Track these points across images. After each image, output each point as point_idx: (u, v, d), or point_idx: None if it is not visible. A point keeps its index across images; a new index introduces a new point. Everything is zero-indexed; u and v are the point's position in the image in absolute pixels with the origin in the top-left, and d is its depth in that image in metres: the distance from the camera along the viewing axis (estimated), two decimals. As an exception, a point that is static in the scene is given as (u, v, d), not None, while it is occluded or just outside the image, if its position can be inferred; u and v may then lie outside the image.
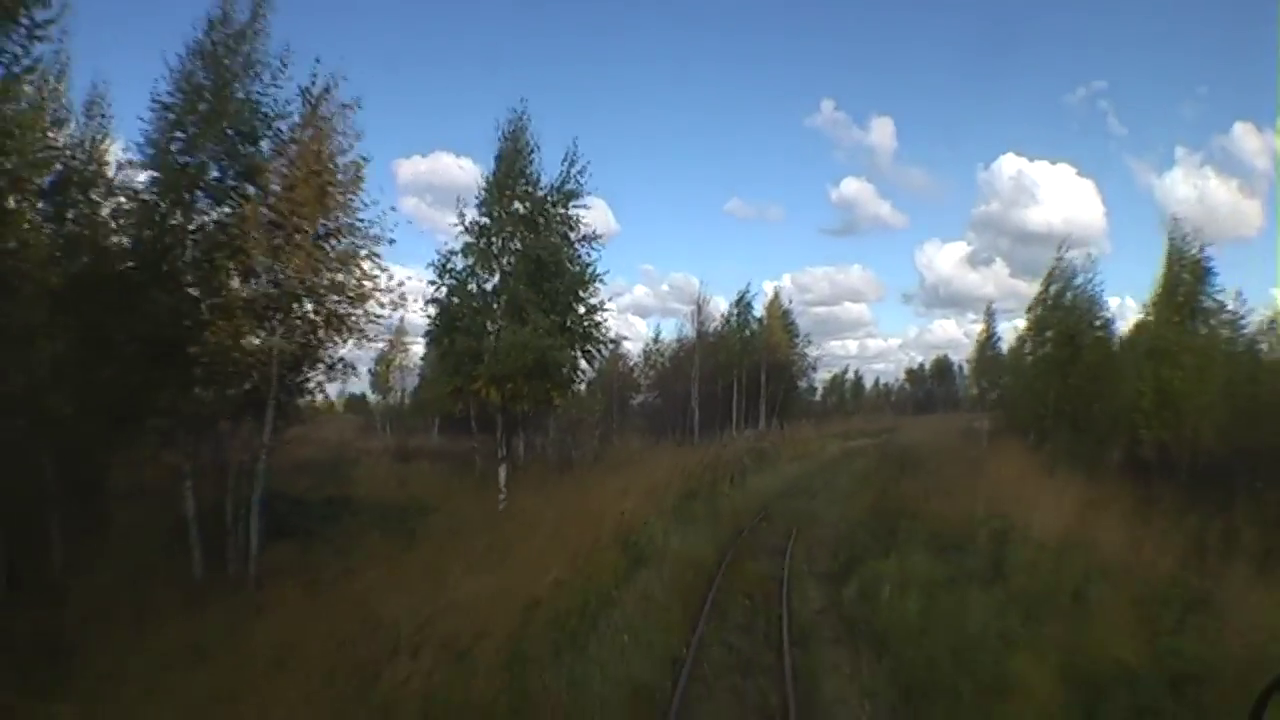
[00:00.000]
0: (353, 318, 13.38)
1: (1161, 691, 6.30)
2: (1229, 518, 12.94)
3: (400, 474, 24.61)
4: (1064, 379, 22.68)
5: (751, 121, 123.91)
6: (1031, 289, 25.33)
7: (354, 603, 8.32)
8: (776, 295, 49.06)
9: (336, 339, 13.47)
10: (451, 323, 18.53)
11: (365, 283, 13.32)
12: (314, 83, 13.08)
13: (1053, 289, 24.80)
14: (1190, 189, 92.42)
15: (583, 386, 26.29)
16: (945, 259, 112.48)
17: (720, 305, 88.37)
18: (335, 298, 13.42)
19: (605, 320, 19.28)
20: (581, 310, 18.75)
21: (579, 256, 19.36)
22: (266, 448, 12.96)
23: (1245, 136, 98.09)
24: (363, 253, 13.32)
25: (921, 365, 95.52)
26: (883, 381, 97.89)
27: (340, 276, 13.28)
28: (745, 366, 42.47)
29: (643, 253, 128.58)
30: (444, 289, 18.77)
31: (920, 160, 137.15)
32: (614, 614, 9.01)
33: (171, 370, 12.07)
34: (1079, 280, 23.95)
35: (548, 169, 19.53)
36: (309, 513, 16.39)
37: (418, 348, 42.90)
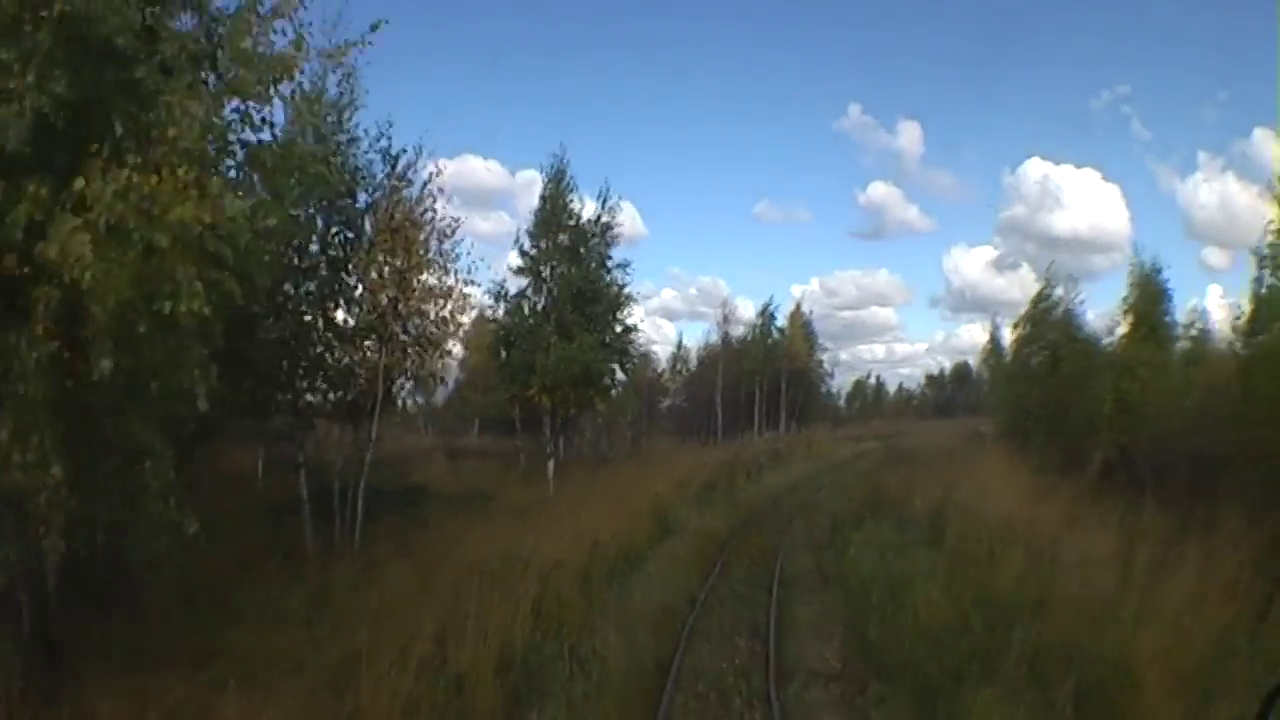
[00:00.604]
0: (438, 339, 16.66)
1: (1019, 609, 9.33)
2: (1148, 505, 15.68)
3: (453, 469, 27.89)
4: (1045, 388, 25.52)
5: (779, 125, 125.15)
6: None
7: (463, 551, 11.58)
8: (798, 307, 52.24)
9: (425, 356, 16.76)
10: (508, 339, 21.89)
11: (447, 311, 16.59)
12: (403, 152, 16.32)
13: (1041, 305, 27.67)
14: (1211, 194, 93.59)
15: (617, 392, 29.49)
16: (972, 263, 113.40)
17: (748, 308, 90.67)
18: (418, 321, 16.70)
19: (638, 337, 22.56)
20: (618, 329, 22.04)
21: (615, 281, 22.69)
22: (372, 443, 16.28)
23: (1264, 142, 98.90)
24: (448, 284, 16.56)
25: (942, 370, 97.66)
26: (906, 386, 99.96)
27: (427, 306, 16.56)
28: (767, 373, 45.57)
29: (671, 256, 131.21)
30: (501, 310, 22.18)
31: (947, 164, 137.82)
32: (648, 565, 12.25)
33: (291, 381, 15.39)
34: (1058, 294, 26.79)
35: (582, 182, 22.81)
36: (392, 499, 19.70)
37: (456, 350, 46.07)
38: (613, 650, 8.04)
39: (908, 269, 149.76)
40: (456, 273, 16.29)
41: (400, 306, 16.31)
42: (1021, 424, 26.62)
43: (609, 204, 22.82)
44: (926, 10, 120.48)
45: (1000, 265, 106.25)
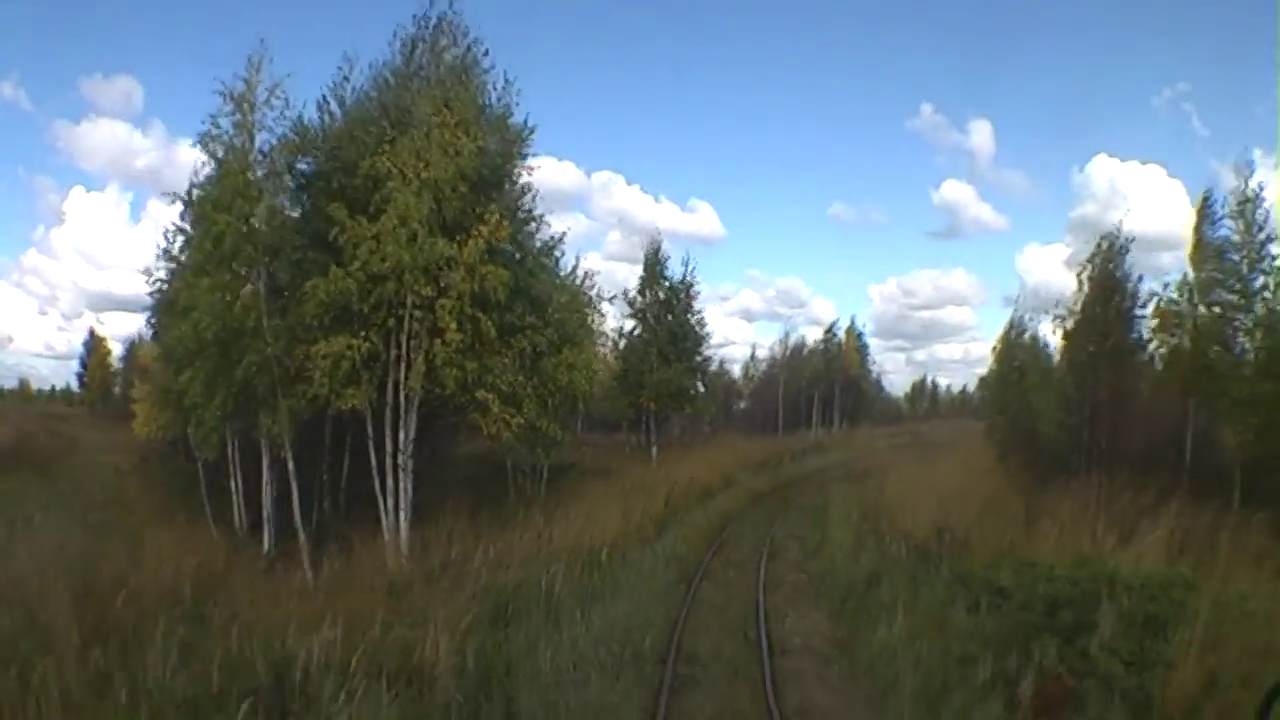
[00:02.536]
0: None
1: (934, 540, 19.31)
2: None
3: (582, 454, 38.76)
4: (1011, 394, 34.88)
5: (853, 126, 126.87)
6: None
7: (614, 487, 22.22)
8: (852, 324, 61.86)
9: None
10: (625, 363, 32.71)
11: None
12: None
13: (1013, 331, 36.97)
14: (1270, 191, 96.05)
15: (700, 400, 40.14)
16: (1045, 262, 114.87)
17: (827, 309, 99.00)
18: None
19: (714, 364, 33.07)
20: (698, 359, 32.68)
21: (700, 324, 33.36)
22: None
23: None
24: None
25: (990, 371, 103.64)
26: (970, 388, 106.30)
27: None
28: (823, 381, 55.45)
29: (750, 258, 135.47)
30: (622, 343, 33.05)
31: (1018, 163, 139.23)
32: (718, 498, 22.86)
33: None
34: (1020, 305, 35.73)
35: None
36: (557, 470, 30.62)
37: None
38: (700, 520, 18.66)
39: (983, 268, 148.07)
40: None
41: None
42: (994, 421, 36.01)
43: (690, 269, 33.51)
44: (991, 8, 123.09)
45: (1072, 264, 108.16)
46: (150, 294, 19.48)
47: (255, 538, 16.49)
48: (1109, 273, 21.68)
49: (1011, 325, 37.12)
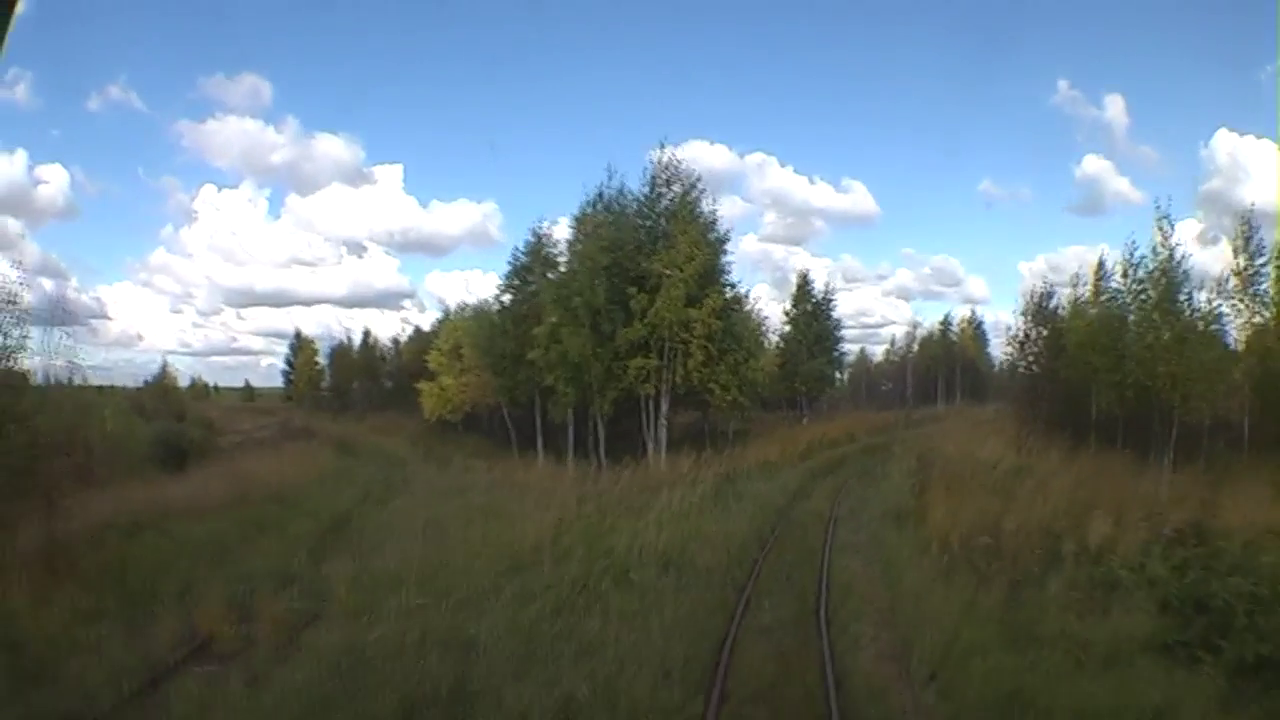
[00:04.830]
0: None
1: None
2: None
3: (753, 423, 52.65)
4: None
5: (994, 103, 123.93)
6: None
7: (779, 440, 35.84)
8: (972, 314, 72.30)
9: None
10: (784, 357, 46.25)
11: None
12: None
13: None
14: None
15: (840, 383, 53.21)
16: (1179, 238, 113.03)
17: (980, 287, 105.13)
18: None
19: (851, 355, 46.22)
20: (836, 354, 45.92)
21: (837, 327, 46.51)
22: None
23: None
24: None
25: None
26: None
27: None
28: (944, 364, 66.56)
29: (904, 236, 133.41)
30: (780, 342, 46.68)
31: (1149, 137, 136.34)
32: (841, 447, 36.01)
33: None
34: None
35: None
36: (740, 431, 44.59)
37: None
38: (827, 455, 32.13)
39: (1124, 243, 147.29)
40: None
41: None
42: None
43: (830, 285, 46.63)
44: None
45: (1203, 240, 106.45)
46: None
47: (575, 462, 31.07)
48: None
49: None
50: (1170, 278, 25.68)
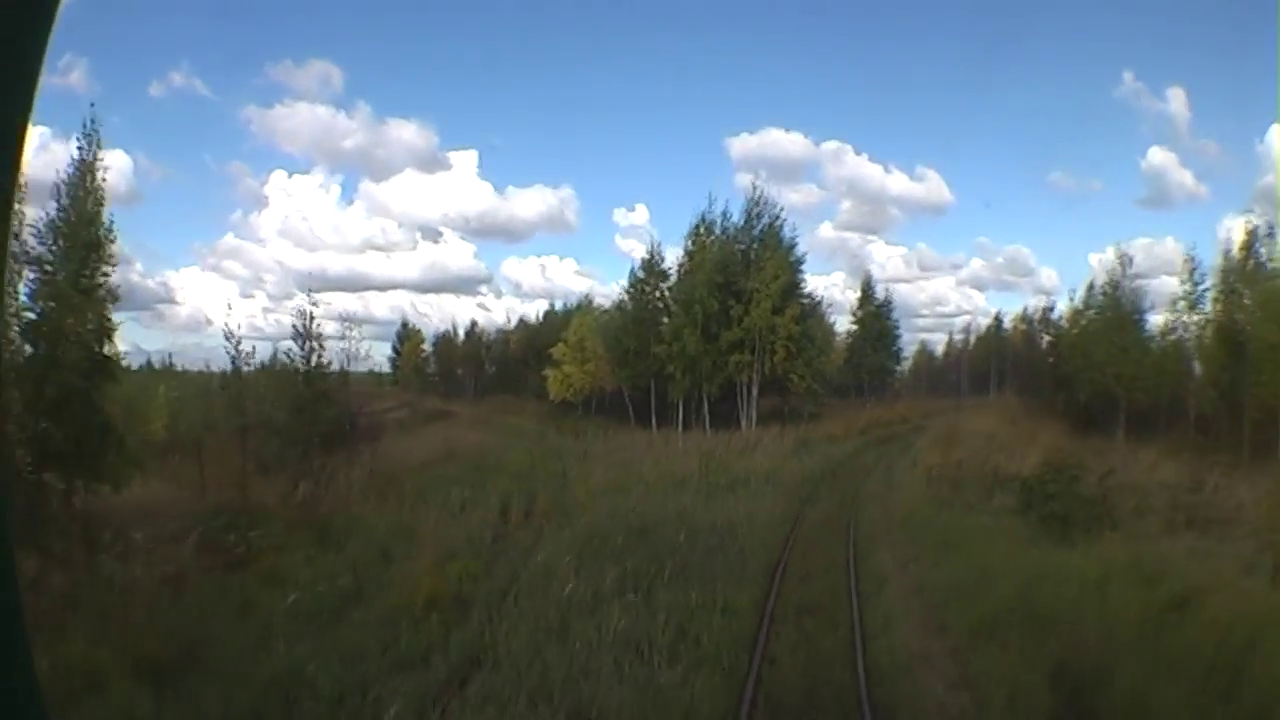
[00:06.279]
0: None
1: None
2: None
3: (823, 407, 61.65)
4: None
5: (1063, 92, 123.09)
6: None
7: (843, 419, 44.89)
8: (1023, 311, 79.45)
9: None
10: (851, 350, 55.10)
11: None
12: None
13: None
14: None
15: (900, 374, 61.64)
16: (1239, 232, 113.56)
17: (1051, 277, 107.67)
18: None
19: (910, 349, 54.93)
20: (895, 349, 54.70)
21: (895, 326, 55.20)
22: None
23: None
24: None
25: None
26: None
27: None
28: (995, 358, 74.07)
29: (978, 225, 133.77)
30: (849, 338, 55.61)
31: (1210, 131, 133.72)
32: (894, 426, 44.91)
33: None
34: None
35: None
36: (813, 413, 53.64)
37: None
38: (878, 432, 41.15)
39: (1192, 237, 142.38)
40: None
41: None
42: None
43: (889, 292, 55.23)
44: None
45: (1258, 235, 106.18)
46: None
47: (684, 433, 40.70)
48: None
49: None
50: (1120, 303, 34.86)
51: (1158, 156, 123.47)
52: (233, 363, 19.51)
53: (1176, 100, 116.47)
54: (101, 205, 19.27)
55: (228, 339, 19.50)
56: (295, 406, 19.80)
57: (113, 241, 19.36)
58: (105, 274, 18.94)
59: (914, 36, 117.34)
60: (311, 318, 22.78)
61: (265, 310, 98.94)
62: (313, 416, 19.81)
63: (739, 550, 14.03)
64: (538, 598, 10.94)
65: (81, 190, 19.15)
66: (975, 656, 8.97)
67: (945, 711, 7.95)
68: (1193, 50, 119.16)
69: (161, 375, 41.90)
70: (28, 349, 18.10)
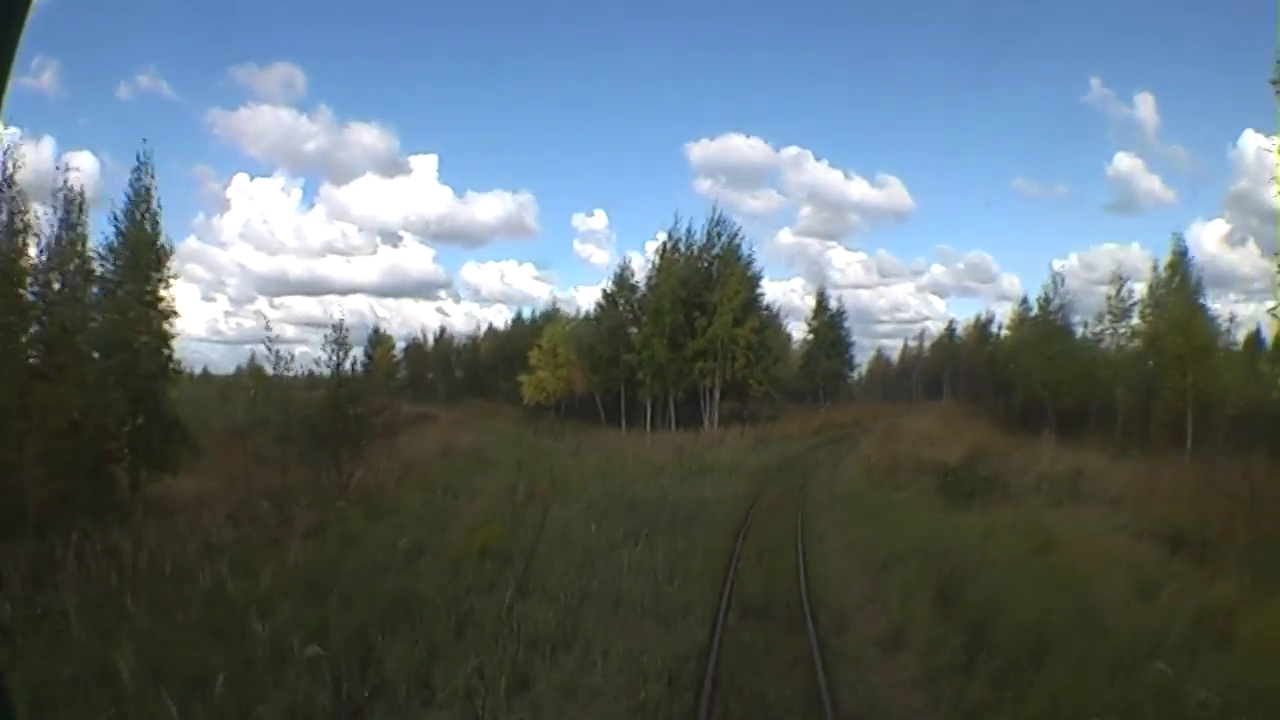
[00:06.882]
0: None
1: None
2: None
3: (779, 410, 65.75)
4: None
5: (1028, 98, 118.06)
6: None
7: (798, 420, 48.91)
8: (977, 319, 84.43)
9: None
10: (808, 358, 59.32)
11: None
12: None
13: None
14: None
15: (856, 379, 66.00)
16: (1208, 237, 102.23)
17: (1013, 284, 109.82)
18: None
19: (861, 359, 59.33)
20: (847, 356, 59.02)
21: (847, 335, 59.56)
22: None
23: None
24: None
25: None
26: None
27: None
28: (948, 366, 78.97)
29: (939, 232, 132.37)
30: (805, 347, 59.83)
31: (1179, 136, 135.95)
32: (846, 427, 49.10)
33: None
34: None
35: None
36: (770, 414, 57.61)
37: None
38: (830, 432, 45.24)
39: (1158, 243, 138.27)
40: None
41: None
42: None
43: (840, 303, 59.61)
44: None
45: (1231, 241, 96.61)
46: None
47: (652, 433, 44.41)
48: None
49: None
50: (1049, 315, 39.29)
51: (1125, 162, 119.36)
52: (274, 366, 22.51)
53: (1145, 105, 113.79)
54: (159, 228, 22.44)
55: (267, 346, 22.57)
56: (331, 404, 22.88)
57: (171, 261, 22.64)
58: (167, 288, 22.21)
59: (876, 43, 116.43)
60: (343, 325, 26.07)
61: (226, 314, 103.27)
62: (345, 415, 22.88)
63: (711, 518, 17.71)
64: (562, 547, 14.49)
65: (138, 214, 22.33)
66: (883, 575, 12.73)
67: (860, 606, 11.69)
68: (1163, 55, 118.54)
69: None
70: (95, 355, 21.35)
